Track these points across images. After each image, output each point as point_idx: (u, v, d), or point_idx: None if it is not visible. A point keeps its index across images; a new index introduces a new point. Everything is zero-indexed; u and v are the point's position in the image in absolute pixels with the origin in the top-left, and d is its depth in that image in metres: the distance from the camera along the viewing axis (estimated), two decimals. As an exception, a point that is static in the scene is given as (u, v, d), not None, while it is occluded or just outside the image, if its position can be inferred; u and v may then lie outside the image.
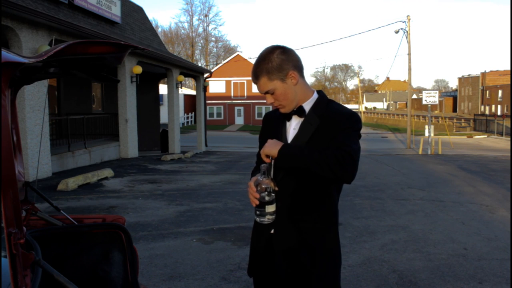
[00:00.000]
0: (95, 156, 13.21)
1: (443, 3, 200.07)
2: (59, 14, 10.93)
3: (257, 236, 2.12)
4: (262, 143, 2.15)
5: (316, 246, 1.99)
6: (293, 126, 2.04)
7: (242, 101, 53.54)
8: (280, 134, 2.06)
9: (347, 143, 1.86)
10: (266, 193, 1.88)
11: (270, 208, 1.92)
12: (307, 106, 2.02)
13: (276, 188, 1.93)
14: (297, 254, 1.99)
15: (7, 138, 1.39)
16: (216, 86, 52.14)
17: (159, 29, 68.89)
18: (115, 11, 15.21)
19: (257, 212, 1.92)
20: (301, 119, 2.01)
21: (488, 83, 67.63)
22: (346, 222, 6.47)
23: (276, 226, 2.01)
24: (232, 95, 53.59)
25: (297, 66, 1.99)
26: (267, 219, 1.93)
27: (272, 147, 1.89)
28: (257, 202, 1.89)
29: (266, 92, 1.98)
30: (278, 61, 1.93)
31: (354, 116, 1.97)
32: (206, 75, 22.82)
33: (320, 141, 1.93)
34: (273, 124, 2.13)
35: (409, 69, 27.04)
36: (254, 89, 52.78)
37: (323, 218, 2.01)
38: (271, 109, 2.29)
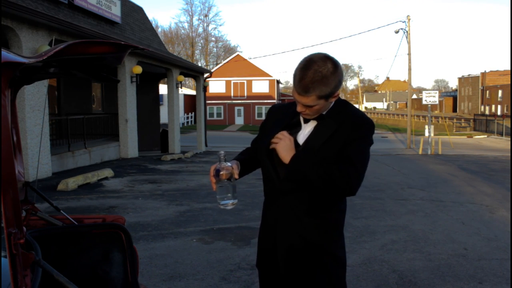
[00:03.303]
0: (95, 156, 13.21)
1: (443, 3, 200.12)
2: (59, 14, 10.93)
3: (263, 233, 2.13)
4: (263, 133, 2.14)
5: (320, 244, 1.99)
6: (308, 129, 1.99)
7: (242, 101, 53.52)
8: (290, 132, 2.01)
9: (353, 159, 1.87)
10: (226, 179, 1.96)
11: (229, 193, 1.99)
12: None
13: (237, 177, 1.99)
14: (301, 252, 1.98)
15: (7, 138, 1.39)
16: (216, 86, 52.12)
17: (159, 29, 68.91)
18: (115, 11, 15.21)
19: (217, 197, 2.00)
20: (317, 122, 1.98)
21: (488, 83, 67.63)
22: (346, 222, 6.43)
23: (281, 224, 2.02)
24: (232, 95, 53.58)
25: (341, 84, 1.94)
26: (230, 205, 2.00)
27: (286, 153, 1.90)
28: (214, 187, 1.99)
29: (306, 105, 1.89)
30: (333, 85, 1.84)
31: (368, 124, 1.96)
32: (206, 75, 22.82)
33: (333, 147, 1.91)
34: (283, 118, 2.06)
35: (409, 69, 27.05)
36: (254, 89, 52.88)
37: (327, 216, 2.01)
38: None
